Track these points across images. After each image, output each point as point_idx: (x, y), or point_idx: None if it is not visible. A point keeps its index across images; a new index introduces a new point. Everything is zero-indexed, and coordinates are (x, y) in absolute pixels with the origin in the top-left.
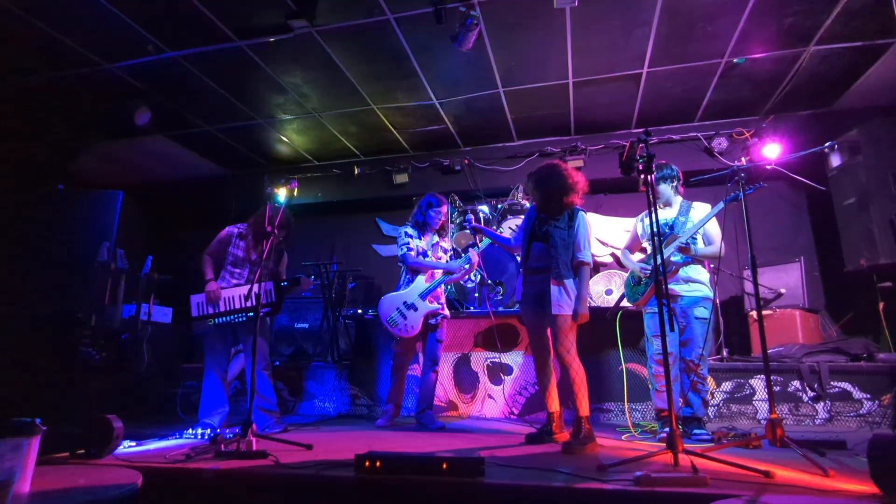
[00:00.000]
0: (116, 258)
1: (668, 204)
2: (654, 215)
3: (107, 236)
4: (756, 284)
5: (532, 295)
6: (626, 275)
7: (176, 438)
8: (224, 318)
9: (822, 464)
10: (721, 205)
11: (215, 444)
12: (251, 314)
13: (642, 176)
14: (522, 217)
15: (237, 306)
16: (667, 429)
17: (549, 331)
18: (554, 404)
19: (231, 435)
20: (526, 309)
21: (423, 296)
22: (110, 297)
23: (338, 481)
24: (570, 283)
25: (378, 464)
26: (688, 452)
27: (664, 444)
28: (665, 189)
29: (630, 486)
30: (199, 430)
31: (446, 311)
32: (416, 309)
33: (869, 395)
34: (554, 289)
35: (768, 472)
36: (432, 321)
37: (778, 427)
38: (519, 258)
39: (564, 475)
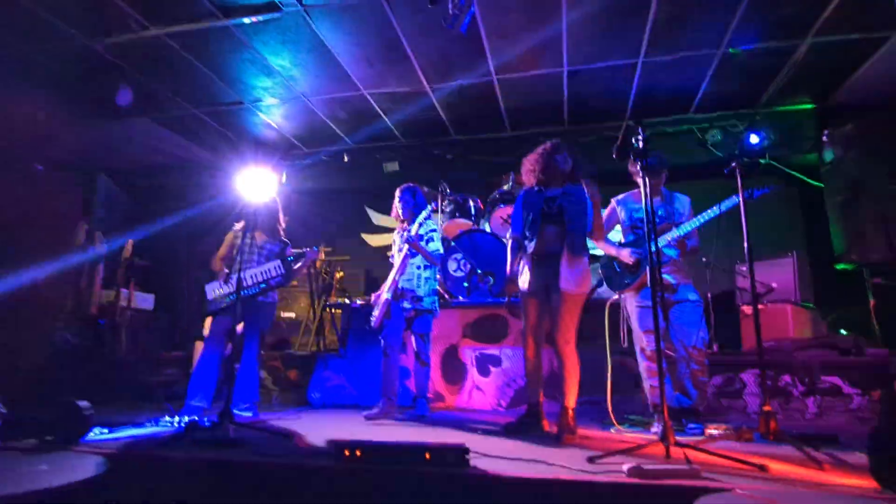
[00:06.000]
0: (95, 241)
1: (654, 193)
2: (647, 201)
3: (85, 219)
4: (753, 279)
5: (542, 282)
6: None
7: (151, 426)
8: (235, 295)
9: (816, 458)
10: (735, 200)
11: (190, 432)
12: (262, 285)
13: (637, 160)
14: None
15: (249, 283)
16: (659, 423)
17: (548, 320)
18: (534, 395)
19: (209, 423)
20: (531, 297)
21: (389, 288)
22: (87, 280)
23: (316, 470)
24: (584, 259)
25: (358, 452)
26: (680, 445)
27: (656, 437)
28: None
29: (621, 478)
30: (177, 419)
31: (424, 304)
32: (379, 299)
33: (859, 391)
34: (566, 264)
35: (763, 465)
36: (405, 314)
37: (772, 420)
38: (515, 242)
39: (553, 466)
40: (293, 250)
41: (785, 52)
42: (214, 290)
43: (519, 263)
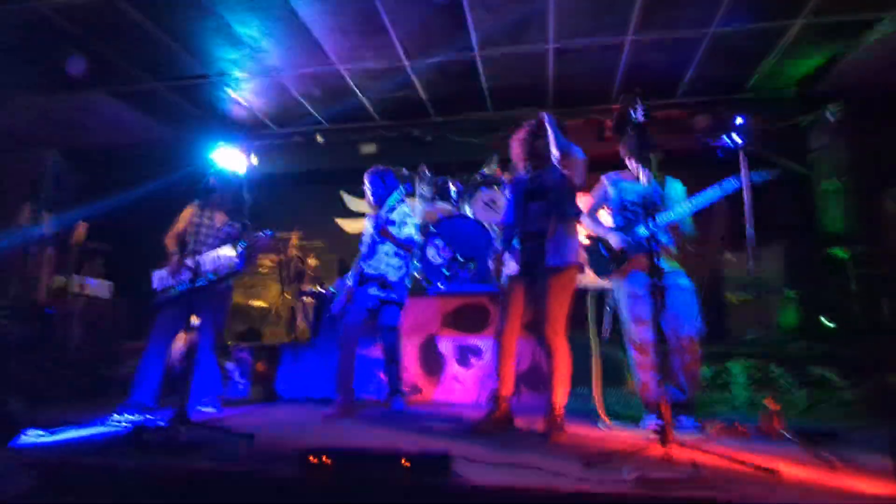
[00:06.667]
0: (41, 221)
1: (637, 174)
2: (641, 177)
3: (31, 198)
4: (754, 265)
5: (528, 262)
6: None
7: (97, 427)
8: (186, 285)
9: (824, 457)
10: (734, 184)
11: (138, 434)
12: (211, 276)
13: (636, 134)
14: (496, 188)
15: (200, 272)
16: (651, 417)
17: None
18: (506, 387)
19: (162, 423)
20: (517, 280)
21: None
22: (34, 265)
23: (278, 481)
24: (573, 233)
25: (325, 459)
26: (682, 445)
27: (650, 435)
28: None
29: (626, 489)
30: (126, 417)
31: (392, 294)
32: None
33: (850, 382)
34: (552, 240)
35: (773, 469)
36: (369, 303)
37: (776, 419)
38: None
39: (547, 473)
40: (250, 235)
41: (775, 32)
42: (162, 279)
43: (507, 248)
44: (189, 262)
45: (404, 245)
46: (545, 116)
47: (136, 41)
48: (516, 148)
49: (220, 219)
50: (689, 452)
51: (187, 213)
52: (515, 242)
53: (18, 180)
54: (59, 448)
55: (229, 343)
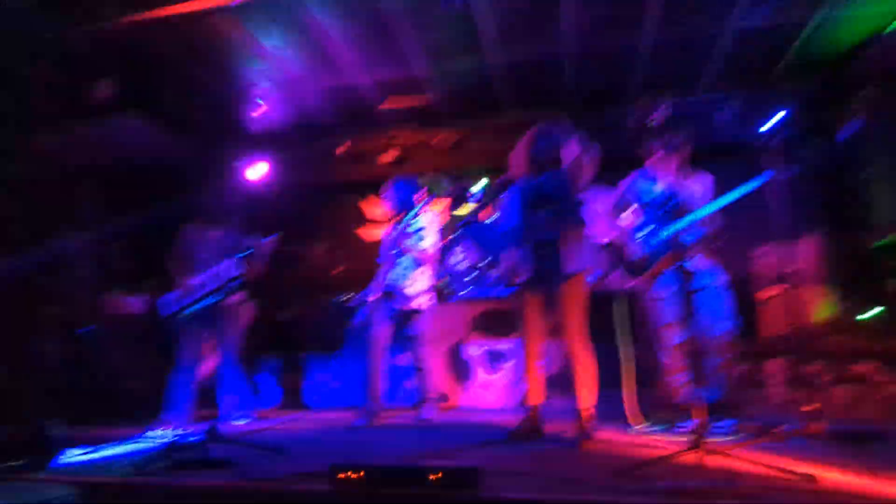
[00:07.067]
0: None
1: (663, 174)
2: (668, 179)
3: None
4: (783, 259)
5: (542, 270)
6: None
7: (133, 444)
8: (199, 305)
9: (865, 461)
10: (759, 181)
11: (171, 451)
12: (220, 293)
13: (661, 135)
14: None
15: (209, 290)
16: (685, 423)
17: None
18: (535, 397)
19: (194, 439)
20: (531, 290)
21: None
22: (69, 285)
23: (309, 497)
24: (584, 238)
25: (354, 475)
26: (715, 452)
27: (683, 440)
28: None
29: (660, 500)
30: (160, 433)
31: (413, 303)
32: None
33: (892, 377)
34: (565, 246)
35: (811, 476)
36: (393, 313)
37: (816, 419)
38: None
39: (577, 484)
40: (253, 242)
41: (798, 21)
42: (171, 305)
43: (516, 255)
44: (196, 281)
45: (423, 256)
46: (557, 126)
47: (163, 64)
48: (519, 155)
49: (218, 234)
50: (724, 459)
51: (186, 234)
52: (522, 249)
53: (55, 205)
54: (96, 466)
55: (256, 355)
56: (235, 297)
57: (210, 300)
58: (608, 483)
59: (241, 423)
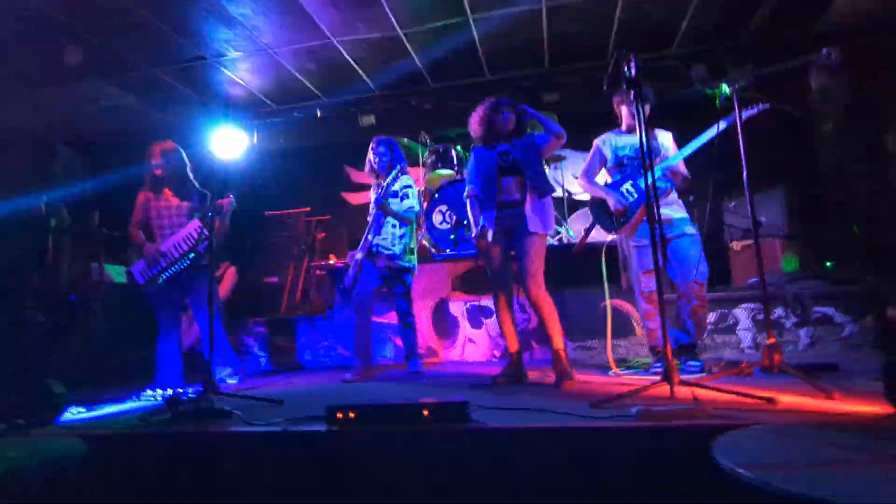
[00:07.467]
0: (58, 214)
1: (632, 129)
2: (642, 130)
3: (45, 190)
4: (753, 211)
5: (504, 230)
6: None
7: (132, 401)
8: (169, 271)
9: (823, 387)
10: (721, 125)
11: (172, 405)
12: (192, 255)
13: (630, 90)
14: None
15: (177, 255)
16: (659, 363)
17: (514, 267)
18: (514, 344)
19: (193, 394)
20: (496, 246)
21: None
22: (52, 255)
23: (309, 436)
24: (549, 200)
25: (352, 415)
26: (685, 383)
27: (658, 378)
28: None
29: (629, 423)
30: (159, 392)
31: (400, 262)
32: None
33: (850, 318)
34: (530, 208)
35: (771, 398)
36: (381, 273)
37: (776, 352)
38: (475, 199)
39: (557, 414)
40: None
41: None
42: (142, 272)
43: (481, 218)
44: (163, 247)
45: (404, 218)
46: (527, 108)
47: (130, 28)
48: (476, 126)
49: (175, 198)
50: (692, 390)
51: (141, 199)
52: (488, 211)
53: (30, 174)
54: (101, 421)
55: (245, 318)
56: (206, 261)
57: (180, 265)
58: (586, 411)
59: (233, 381)
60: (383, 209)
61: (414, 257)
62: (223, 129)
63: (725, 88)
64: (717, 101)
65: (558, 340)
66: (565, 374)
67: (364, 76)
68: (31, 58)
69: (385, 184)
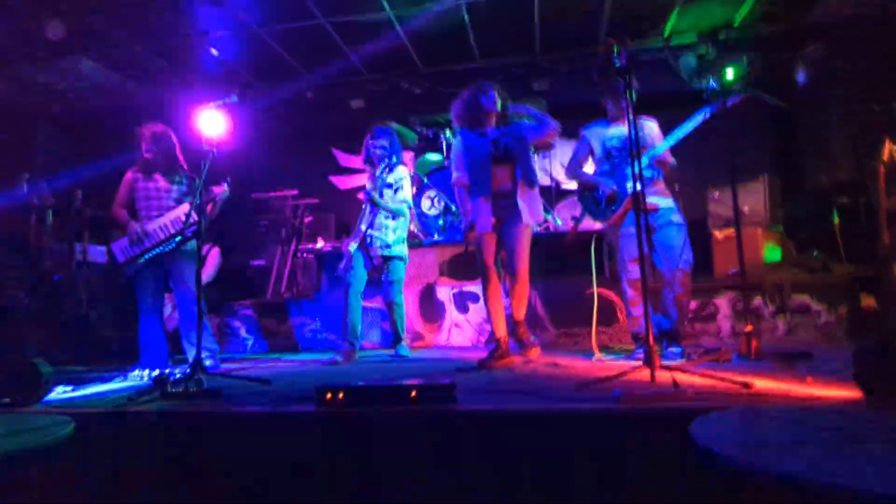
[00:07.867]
0: (39, 192)
1: (618, 119)
2: (631, 120)
3: (26, 168)
4: (736, 199)
5: (499, 218)
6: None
7: (119, 381)
8: (152, 252)
9: (798, 372)
10: (706, 112)
11: (161, 384)
12: (178, 238)
13: (620, 80)
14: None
15: (162, 237)
16: (642, 348)
17: (503, 253)
18: (502, 329)
19: (180, 375)
20: (488, 235)
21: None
22: (35, 235)
23: (298, 416)
24: (537, 191)
25: (340, 395)
26: (666, 368)
27: (640, 363)
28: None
29: (610, 405)
30: (146, 371)
31: (393, 251)
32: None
33: (825, 307)
34: (522, 199)
35: (747, 382)
36: (373, 261)
37: (753, 339)
38: (463, 187)
39: (541, 397)
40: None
41: None
42: (124, 250)
43: (470, 207)
44: (149, 227)
45: (397, 211)
46: (522, 107)
47: (115, 3)
48: (461, 109)
49: (162, 180)
50: (672, 373)
51: (130, 179)
52: (479, 200)
53: (11, 151)
54: (88, 400)
55: (231, 301)
56: (191, 245)
57: (164, 248)
58: (569, 394)
59: (208, 364)
60: (375, 203)
61: (406, 246)
62: (209, 109)
63: (712, 80)
64: (705, 93)
65: (521, 312)
66: (529, 342)
67: (353, 59)
68: (10, 35)
69: (379, 174)
